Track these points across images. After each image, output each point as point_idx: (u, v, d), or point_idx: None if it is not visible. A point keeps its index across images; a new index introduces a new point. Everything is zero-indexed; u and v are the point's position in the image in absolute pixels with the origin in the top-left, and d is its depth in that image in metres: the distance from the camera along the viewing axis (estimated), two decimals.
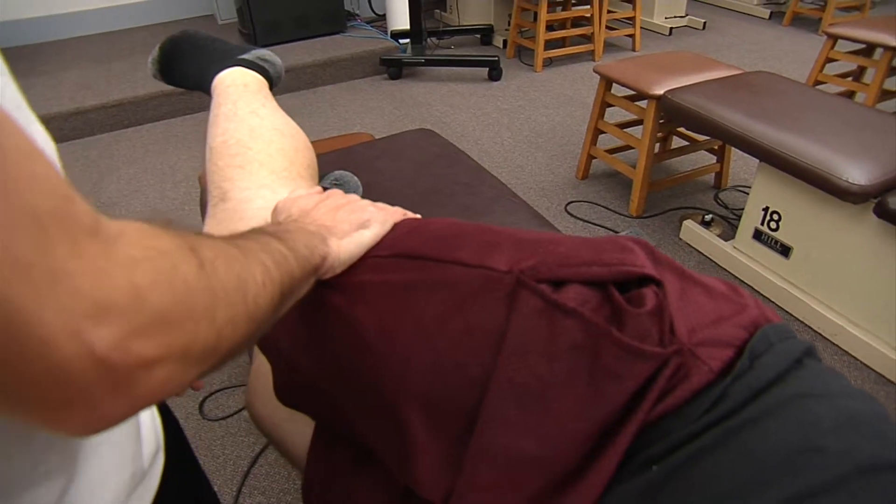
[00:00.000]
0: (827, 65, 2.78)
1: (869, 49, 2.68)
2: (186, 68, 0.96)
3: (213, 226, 0.71)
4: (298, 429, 0.72)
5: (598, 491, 0.44)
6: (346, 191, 0.96)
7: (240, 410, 1.55)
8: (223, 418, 1.54)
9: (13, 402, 0.26)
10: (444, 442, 0.50)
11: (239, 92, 0.85)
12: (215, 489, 1.37)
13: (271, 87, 0.94)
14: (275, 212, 0.61)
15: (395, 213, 0.63)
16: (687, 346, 0.46)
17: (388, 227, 0.60)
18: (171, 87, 3.33)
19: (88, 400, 0.27)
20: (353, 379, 0.56)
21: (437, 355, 0.50)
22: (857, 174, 1.47)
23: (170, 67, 0.98)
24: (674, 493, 0.41)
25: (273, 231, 0.46)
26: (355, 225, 0.57)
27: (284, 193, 0.70)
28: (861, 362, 1.63)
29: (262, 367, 0.84)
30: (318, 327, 0.57)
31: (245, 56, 0.93)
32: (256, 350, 0.90)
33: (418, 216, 0.64)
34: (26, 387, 0.25)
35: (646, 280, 0.49)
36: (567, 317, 0.47)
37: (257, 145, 0.76)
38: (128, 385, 0.28)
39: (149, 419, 0.51)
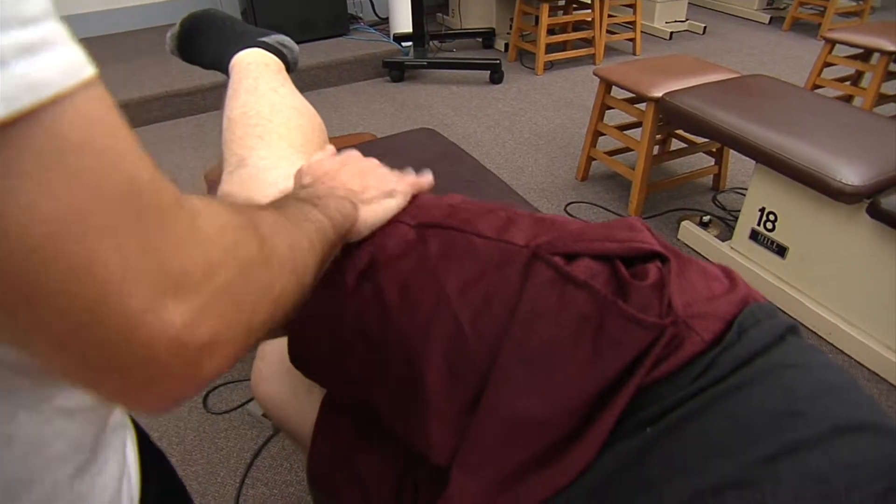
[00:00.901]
0: (825, 69, 2.81)
1: (866, 54, 2.71)
2: (205, 46, 0.96)
3: (230, 190, 0.71)
4: (304, 409, 0.74)
5: (595, 450, 0.47)
6: (290, 56, 0.94)
7: (243, 404, 1.58)
8: (227, 412, 1.57)
9: (93, 376, 0.26)
10: (458, 406, 0.52)
11: (260, 70, 0.86)
12: (218, 480, 1.40)
13: (288, 73, 0.94)
14: (299, 174, 0.62)
15: (414, 184, 0.65)
16: (682, 318, 0.49)
17: (409, 197, 0.63)
18: (175, 88, 3.35)
19: (165, 377, 0.27)
20: (372, 342, 0.57)
21: (457, 322, 0.53)
22: (850, 175, 1.49)
23: (189, 44, 0.99)
24: (666, 451, 0.44)
25: (307, 197, 0.48)
26: (382, 193, 0.60)
27: (301, 165, 0.71)
28: (855, 360, 1.65)
29: (267, 347, 0.86)
30: (340, 291, 0.58)
31: (265, 39, 0.94)
32: None
33: (429, 177, 0.66)
34: (108, 362, 0.25)
35: (649, 257, 0.53)
36: (577, 288, 0.50)
37: (277, 119, 0.76)
38: (198, 362, 0.27)
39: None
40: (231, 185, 0.71)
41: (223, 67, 0.91)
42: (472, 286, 0.53)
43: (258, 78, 0.83)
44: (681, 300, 0.51)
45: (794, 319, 1.79)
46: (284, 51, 0.94)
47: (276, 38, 0.95)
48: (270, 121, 0.76)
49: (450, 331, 0.53)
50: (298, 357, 0.68)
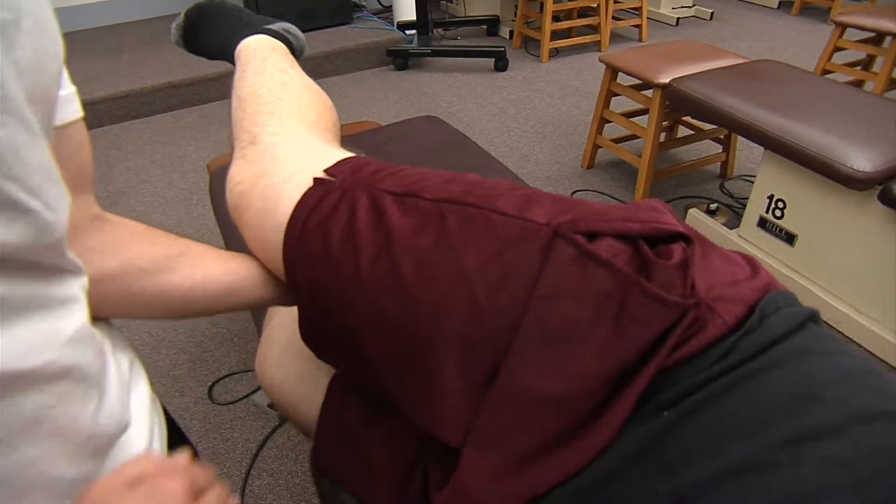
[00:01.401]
0: (835, 54, 2.77)
1: (878, 38, 2.66)
2: (211, 36, 0.96)
3: (242, 166, 0.69)
4: (311, 395, 0.73)
5: (613, 432, 0.46)
6: (296, 43, 0.92)
7: (249, 394, 1.58)
8: (232, 402, 1.56)
9: None
10: (472, 384, 0.51)
11: (267, 53, 0.85)
12: (224, 471, 1.40)
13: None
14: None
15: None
16: (705, 300, 0.48)
17: None
18: (178, 79, 3.34)
19: None
20: (384, 317, 0.55)
21: (474, 299, 0.51)
22: (861, 161, 1.47)
23: (194, 34, 0.98)
24: (685, 434, 0.43)
25: None
26: None
27: (314, 140, 0.70)
28: (865, 349, 1.64)
29: (273, 333, 0.85)
30: (355, 266, 0.56)
31: (271, 26, 0.93)
32: (268, 317, 0.92)
33: None
34: None
35: (674, 238, 0.52)
36: (600, 266, 0.49)
37: (287, 96, 0.74)
38: None
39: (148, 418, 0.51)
40: (244, 161, 0.69)
41: (229, 56, 0.90)
42: (490, 262, 0.52)
43: (266, 59, 0.82)
44: (704, 283, 0.50)
45: None
46: (290, 37, 0.93)
47: (281, 26, 0.94)
48: (280, 98, 0.74)
49: (466, 306, 0.51)
50: (310, 334, 0.65)
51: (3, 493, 0.34)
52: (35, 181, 0.32)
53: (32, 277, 0.34)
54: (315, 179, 0.61)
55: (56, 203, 0.34)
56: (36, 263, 0.34)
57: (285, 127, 0.69)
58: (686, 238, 0.52)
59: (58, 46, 0.38)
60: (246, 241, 0.68)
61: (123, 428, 0.45)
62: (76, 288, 0.40)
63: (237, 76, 0.81)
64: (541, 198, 0.56)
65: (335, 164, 0.62)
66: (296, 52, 0.94)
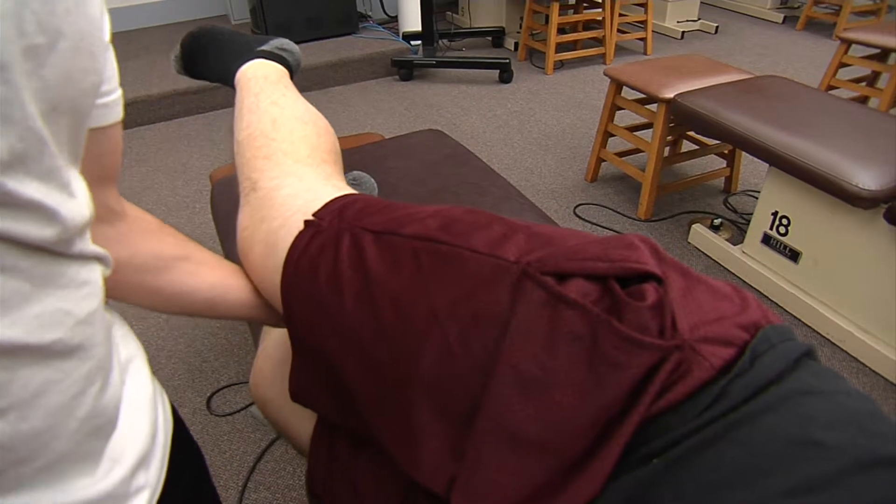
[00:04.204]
0: (840, 70, 2.76)
1: (883, 54, 2.66)
2: (209, 63, 0.99)
3: (247, 213, 0.72)
4: (303, 413, 0.72)
5: (600, 484, 0.44)
6: (363, 191, 0.97)
7: (246, 406, 1.57)
8: (230, 414, 1.55)
9: None
10: (449, 427, 0.50)
11: (260, 84, 0.87)
12: (221, 483, 1.39)
13: (292, 76, 0.95)
14: None
15: None
16: (689, 342, 0.46)
17: None
18: (183, 86, 3.36)
19: None
20: (366, 356, 0.56)
21: (446, 339, 0.51)
22: (867, 179, 1.46)
23: (193, 63, 1.01)
24: (675, 483, 0.42)
25: None
26: None
27: (309, 178, 0.72)
28: (869, 368, 1.62)
29: (268, 350, 0.85)
30: (340, 306, 0.58)
31: (264, 47, 0.95)
32: (264, 332, 0.91)
33: None
34: None
35: (649, 277, 0.50)
36: (569, 308, 0.48)
37: (280, 135, 0.77)
38: None
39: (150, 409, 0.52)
40: (247, 206, 0.73)
41: (229, 83, 0.94)
42: (460, 303, 0.52)
43: (259, 94, 0.84)
44: (687, 322, 0.48)
45: (807, 325, 1.76)
46: (285, 55, 0.95)
47: (274, 44, 0.96)
48: (274, 139, 0.76)
49: (439, 348, 0.51)
50: (300, 390, 0.67)
51: (7, 458, 0.35)
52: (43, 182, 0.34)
53: (54, 259, 0.37)
54: (305, 222, 0.64)
55: (68, 202, 0.37)
56: (57, 250, 0.37)
57: (281, 170, 0.73)
58: (658, 278, 0.50)
59: (94, 61, 0.40)
60: (254, 283, 0.71)
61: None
62: (96, 273, 0.42)
63: (235, 114, 0.83)
64: (517, 233, 0.56)
65: (324, 206, 0.65)
66: (292, 67, 0.95)
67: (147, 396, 0.51)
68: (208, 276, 0.67)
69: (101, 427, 0.43)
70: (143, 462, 0.47)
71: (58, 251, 0.37)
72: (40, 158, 0.34)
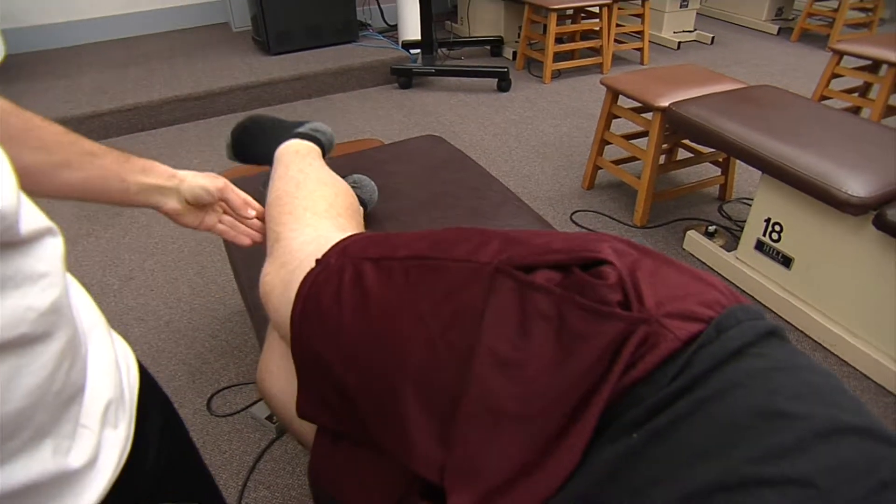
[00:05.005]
0: (833, 80, 2.81)
1: (875, 65, 2.70)
2: (256, 150, 1.14)
3: (270, 262, 0.82)
4: None
5: (577, 455, 0.48)
6: (363, 193, 1.04)
7: (246, 407, 1.59)
8: (230, 414, 1.57)
9: None
10: (436, 417, 0.56)
11: (291, 157, 1.01)
12: (221, 483, 1.41)
13: (325, 154, 1.10)
14: None
15: None
16: (655, 317, 0.50)
17: None
18: (184, 93, 3.38)
19: None
20: (361, 361, 0.63)
21: (430, 335, 0.58)
22: (856, 186, 1.49)
23: (243, 151, 1.17)
24: (653, 456, 0.45)
25: None
26: None
27: (324, 227, 0.83)
28: (861, 373, 1.65)
29: (273, 343, 0.88)
30: (339, 320, 0.65)
31: (300, 129, 1.11)
32: (270, 327, 0.94)
33: None
34: None
35: (607, 264, 0.55)
36: (536, 291, 0.54)
37: (302, 193, 0.90)
38: None
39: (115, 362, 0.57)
40: (271, 257, 0.82)
41: (271, 163, 1.08)
42: (442, 303, 0.59)
43: (289, 165, 0.98)
44: (654, 299, 0.52)
45: (800, 330, 1.79)
46: (318, 135, 1.09)
47: (309, 127, 1.12)
48: (296, 197, 0.89)
49: (425, 344, 0.58)
50: (306, 409, 0.72)
51: None
52: None
53: (7, 256, 0.38)
54: (316, 261, 0.73)
55: None
56: (5, 240, 0.38)
57: (300, 222, 0.84)
58: (612, 264, 0.55)
59: None
60: (273, 323, 0.81)
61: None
62: (53, 260, 0.43)
63: (269, 183, 0.96)
64: (493, 239, 0.63)
65: (331, 248, 0.74)
66: (324, 146, 1.11)
67: (110, 360, 0.55)
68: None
69: (73, 396, 0.47)
70: (110, 422, 0.52)
71: (6, 241, 0.38)
72: None
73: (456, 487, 0.53)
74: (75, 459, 0.46)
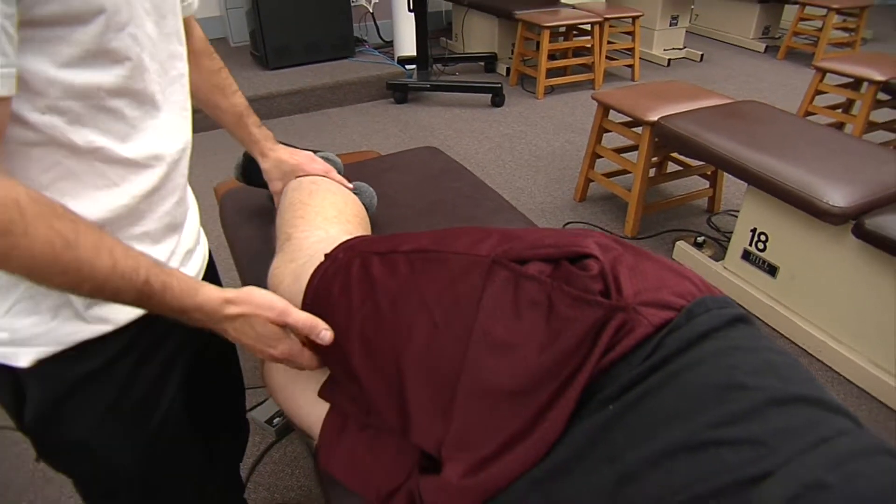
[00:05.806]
0: (817, 97, 2.89)
1: (857, 83, 2.79)
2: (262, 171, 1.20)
3: (279, 257, 0.87)
4: (312, 398, 0.79)
5: (561, 426, 0.54)
6: (362, 199, 1.10)
7: (247, 410, 1.61)
8: None
9: None
10: (436, 392, 0.62)
11: (303, 177, 1.06)
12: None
13: None
14: None
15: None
16: (632, 305, 0.56)
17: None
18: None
19: None
20: (369, 344, 0.69)
21: (432, 318, 0.64)
22: (837, 197, 1.55)
23: (252, 175, 1.21)
24: (628, 424, 0.51)
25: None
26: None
27: (333, 231, 0.89)
28: (844, 377, 1.70)
29: None
30: (348, 307, 0.71)
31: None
32: None
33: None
34: None
35: (593, 257, 0.62)
36: (528, 281, 0.61)
37: (314, 201, 0.98)
38: None
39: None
40: (281, 254, 0.88)
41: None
42: (444, 291, 0.65)
43: (301, 180, 1.05)
44: (632, 289, 0.58)
45: (786, 337, 1.84)
46: (328, 163, 1.13)
47: (320, 155, 1.17)
48: (308, 204, 0.96)
49: (427, 326, 0.64)
50: (324, 388, 0.79)
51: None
52: None
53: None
54: (325, 255, 0.79)
55: None
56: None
57: (310, 224, 0.92)
58: (597, 257, 0.62)
59: None
60: None
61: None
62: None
63: (281, 197, 1.04)
64: (492, 234, 0.69)
65: (339, 245, 0.80)
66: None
67: (195, 223, 0.82)
68: None
69: (177, 226, 0.72)
70: (185, 266, 0.75)
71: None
72: None
73: (452, 457, 0.59)
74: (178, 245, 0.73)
